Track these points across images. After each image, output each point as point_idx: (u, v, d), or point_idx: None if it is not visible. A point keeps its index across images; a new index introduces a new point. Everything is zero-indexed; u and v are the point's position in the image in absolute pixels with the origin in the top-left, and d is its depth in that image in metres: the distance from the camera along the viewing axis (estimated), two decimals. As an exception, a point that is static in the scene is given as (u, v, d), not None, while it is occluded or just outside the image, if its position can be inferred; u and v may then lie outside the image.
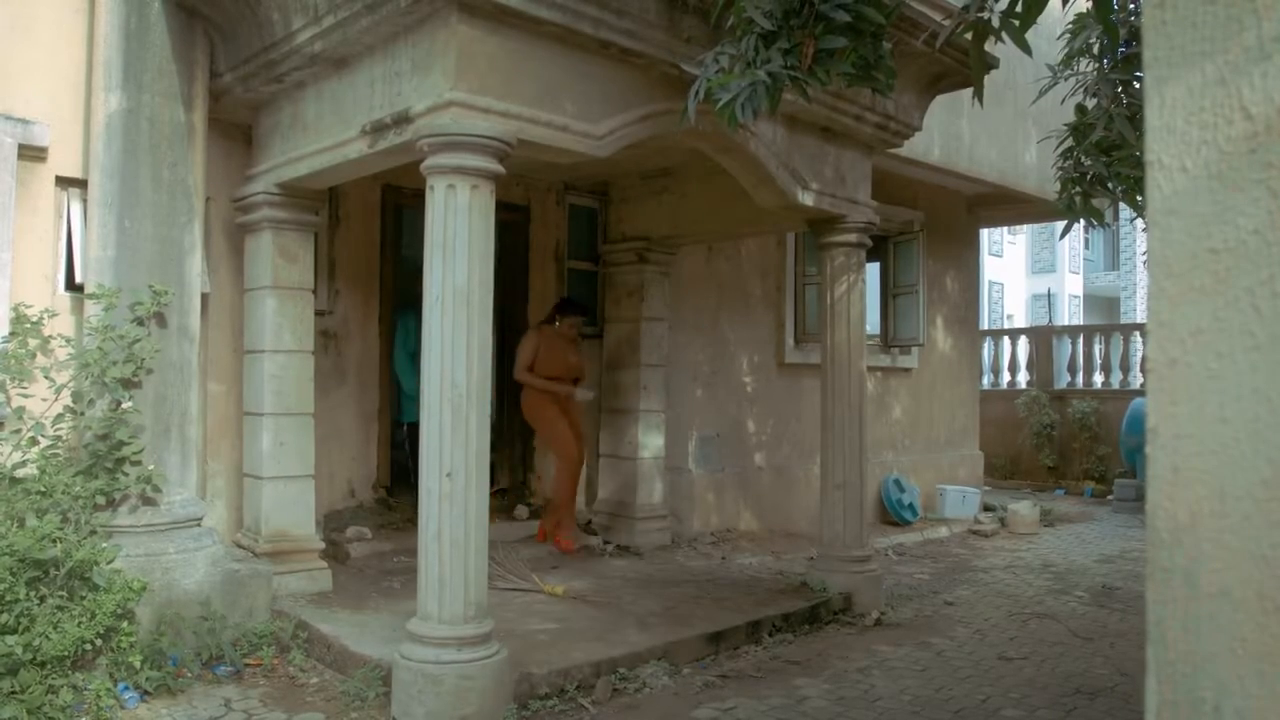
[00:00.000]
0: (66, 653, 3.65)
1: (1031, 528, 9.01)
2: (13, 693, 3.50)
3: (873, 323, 7.66)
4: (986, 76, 3.88)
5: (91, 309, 4.37)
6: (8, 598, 3.57)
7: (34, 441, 4.11)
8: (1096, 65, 4.17)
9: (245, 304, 5.28)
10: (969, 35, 3.56)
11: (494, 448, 4.39)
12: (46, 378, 4.19)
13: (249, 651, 4.39)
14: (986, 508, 9.52)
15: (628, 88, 4.39)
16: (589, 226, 7.40)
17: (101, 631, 3.82)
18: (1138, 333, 12.20)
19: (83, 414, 4.29)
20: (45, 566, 3.77)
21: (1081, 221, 4.38)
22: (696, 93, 3.60)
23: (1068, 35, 4.12)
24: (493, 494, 4.35)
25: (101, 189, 4.49)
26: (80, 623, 3.73)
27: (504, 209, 5.12)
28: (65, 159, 4.68)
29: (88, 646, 3.77)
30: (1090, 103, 4.15)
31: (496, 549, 4.96)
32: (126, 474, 4.31)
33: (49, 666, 3.63)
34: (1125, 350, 12.20)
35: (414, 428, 5.54)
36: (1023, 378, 13.09)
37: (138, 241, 4.51)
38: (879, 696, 4.26)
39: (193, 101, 4.72)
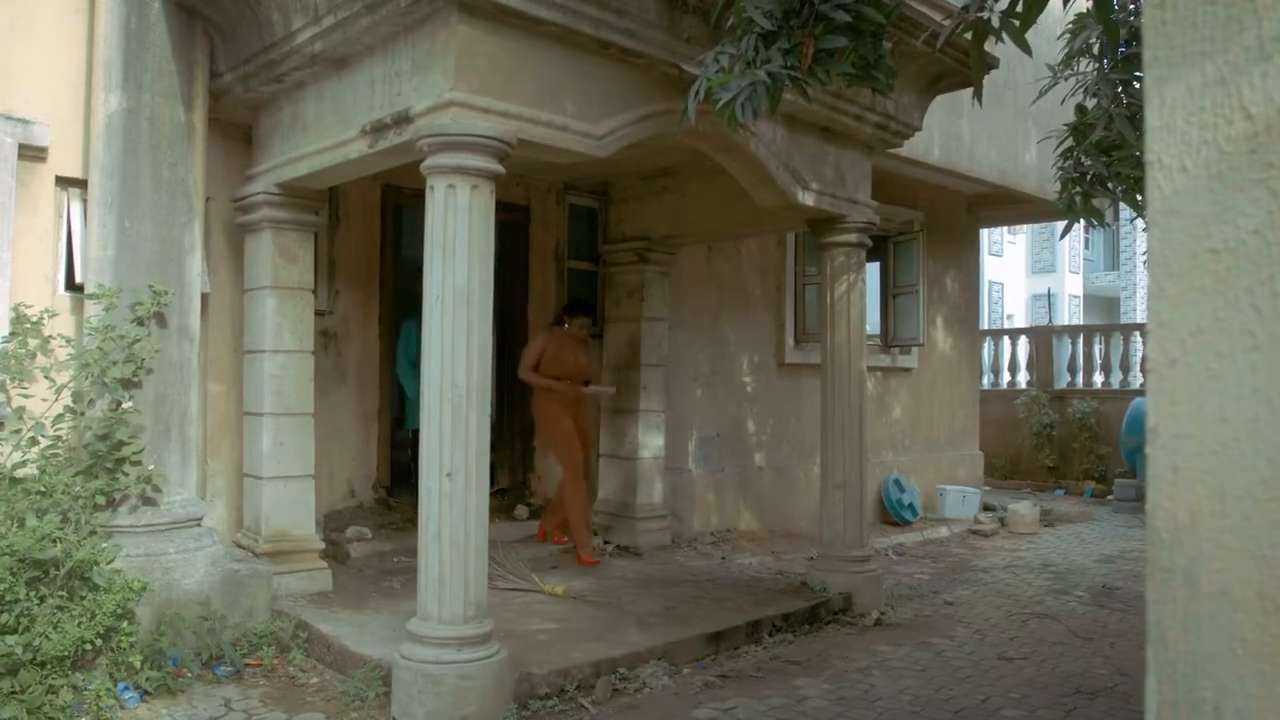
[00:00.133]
0: (66, 653, 3.65)
1: (1031, 528, 9.01)
2: (13, 693, 3.50)
3: (873, 323, 7.66)
4: (986, 76, 3.88)
5: (92, 309, 4.36)
6: (8, 598, 3.57)
7: (34, 441, 4.11)
8: (1096, 65, 4.17)
9: (245, 304, 5.28)
10: (969, 35, 3.56)
11: (494, 448, 4.39)
12: (46, 378, 4.19)
13: (249, 651, 4.39)
14: (986, 508, 9.52)
15: (628, 88, 4.39)
16: (589, 226, 7.40)
17: (101, 631, 3.82)
18: (1138, 333, 12.20)
19: (83, 414, 4.29)
20: (45, 566, 3.77)
21: (1081, 221, 4.38)
22: (696, 93, 3.60)
23: (1068, 35, 4.12)
24: (493, 494, 4.35)
25: (101, 189, 4.49)
26: (80, 623, 3.73)
27: (504, 209, 5.12)
28: (65, 159, 4.68)
29: (88, 646, 3.77)
30: (1090, 103, 4.15)
31: (496, 549, 4.96)
32: (126, 474, 4.31)
33: (49, 666, 3.63)
34: (1125, 350, 12.20)
35: (418, 434, 5.57)
36: (1023, 378, 13.10)
37: (138, 241, 4.51)
38: (879, 696, 4.26)
39: (193, 101, 4.72)
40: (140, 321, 4.41)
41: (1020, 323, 28.66)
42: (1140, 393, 11.11)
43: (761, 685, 4.37)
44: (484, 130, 3.77)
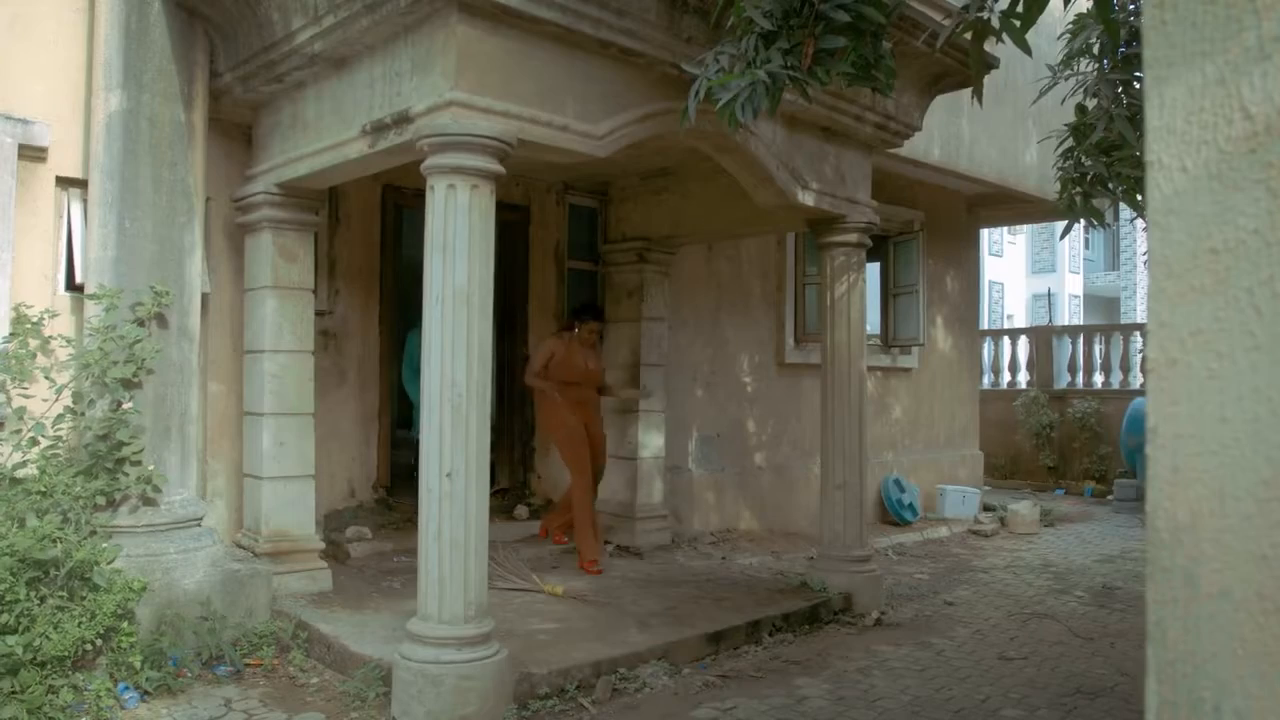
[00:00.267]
0: (67, 653, 3.65)
1: (1031, 528, 9.01)
2: (13, 693, 3.50)
3: (873, 323, 7.67)
4: (986, 76, 3.89)
5: (92, 309, 4.36)
6: (8, 598, 3.57)
7: (34, 442, 4.11)
8: (1096, 65, 4.17)
9: (245, 304, 5.28)
10: (969, 35, 3.56)
11: (494, 448, 4.39)
12: (47, 378, 4.19)
13: (249, 651, 4.39)
14: (986, 508, 9.52)
15: (628, 88, 4.39)
16: (589, 226, 7.40)
17: (101, 631, 3.82)
18: (1138, 333, 12.20)
19: (83, 414, 4.29)
20: (45, 567, 3.77)
21: (1081, 221, 4.38)
22: (697, 93, 3.60)
23: (1068, 35, 4.12)
24: (493, 494, 4.35)
25: (102, 189, 4.49)
26: (80, 623, 3.73)
27: (504, 209, 5.12)
28: (65, 159, 4.68)
29: (88, 646, 3.77)
30: (1090, 103, 4.15)
31: (496, 549, 4.96)
32: (127, 474, 4.31)
33: (49, 666, 3.63)
34: (1125, 350, 12.20)
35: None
36: (1023, 378, 13.10)
37: (138, 242, 4.51)
38: (879, 696, 4.26)
39: (193, 101, 4.73)
40: (141, 322, 4.41)
41: (1020, 323, 28.67)
42: (1140, 393, 11.12)
43: (761, 685, 4.37)
44: (484, 130, 3.77)
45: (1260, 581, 0.84)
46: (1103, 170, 4.10)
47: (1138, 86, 3.94)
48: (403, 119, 3.98)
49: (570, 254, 7.30)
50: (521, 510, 6.88)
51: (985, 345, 13.20)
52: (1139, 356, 11.93)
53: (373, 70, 4.24)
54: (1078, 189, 4.24)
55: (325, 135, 4.56)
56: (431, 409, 3.79)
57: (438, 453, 3.76)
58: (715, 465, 7.66)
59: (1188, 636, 0.90)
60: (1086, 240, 31.39)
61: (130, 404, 4.35)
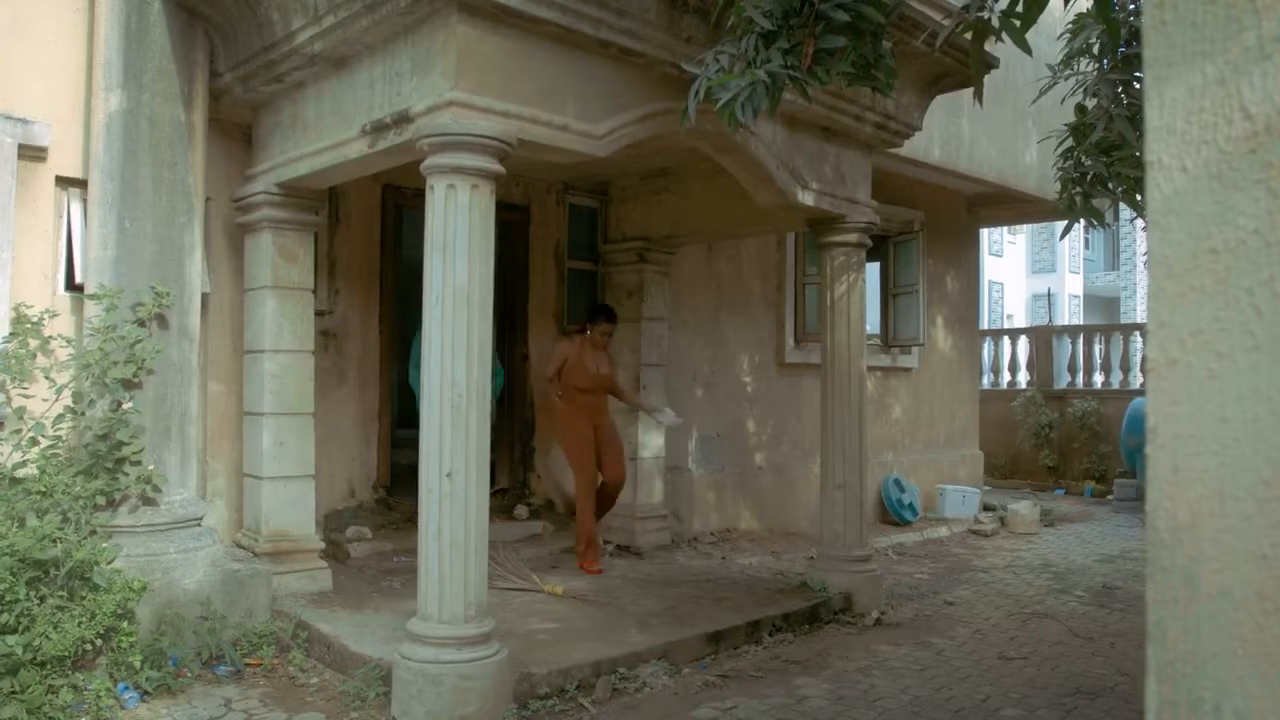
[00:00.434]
0: (66, 653, 3.65)
1: (1031, 527, 9.01)
2: (13, 693, 3.50)
3: (873, 323, 7.66)
4: (986, 76, 3.89)
5: (92, 309, 4.36)
6: (8, 598, 3.57)
7: (34, 441, 4.11)
8: (1096, 65, 4.17)
9: (245, 304, 5.28)
10: (969, 35, 3.56)
11: (494, 448, 4.39)
12: (47, 378, 4.19)
13: (249, 651, 4.39)
14: (986, 507, 9.52)
15: (628, 88, 4.39)
16: (589, 226, 7.40)
17: (101, 631, 3.82)
18: (1138, 333, 12.20)
19: (83, 414, 4.29)
20: (45, 566, 3.77)
21: (1081, 221, 4.38)
22: (697, 93, 3.60)
23: (1068, 35, 4.12)
24: (493, 494, 4.35)
25: (101, 189, 4.49)
26: (80, 623, 3.73)
27: (504, 209, 5.12)
28: (65, 159, 4.68)
29: (88, 646, 3.77)
30: (1090, 103, 4.15)
31: (496, 549, 4.96)
32: (126, 474, 4.31)
33: (49, 666, 3.63)
34: (1125, 350, 12.21)
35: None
36: (1023, 378, 13.10)
37: (138, 242, 4.51)
38: (879, 696, 4.26)
39: (193, 101, 4.73)
40: (141, 322, 4.41)
41: (1020, 323, 28.66)
42: (1140, 393, 11.12)
43: (761, 685, 4.37)
44: (484, 130, 3.77)
45: (1260, 581, 0.84)
46: (1103, 170, 4.10)
47: (1138, 86, 3.94)
48: (403, 119, 3.98)
49: (570, 254, 7.30)
50: (521, 510, 6.88)
51: (985, 345, 13.20)
52: (1139, 356, 11.94)
53: (373, 70, 4.24)
54: (1078, 189, 4.24)
55: (325, 135, 4.56)
56: (431, 409, 3.79)
57: (438, 453, 3.76)
58: (715, 465, 7.66)
59: (1188, 636, 0.90)
60: (1086, 240, 31.40)
61: (130, 404, 4.35)
